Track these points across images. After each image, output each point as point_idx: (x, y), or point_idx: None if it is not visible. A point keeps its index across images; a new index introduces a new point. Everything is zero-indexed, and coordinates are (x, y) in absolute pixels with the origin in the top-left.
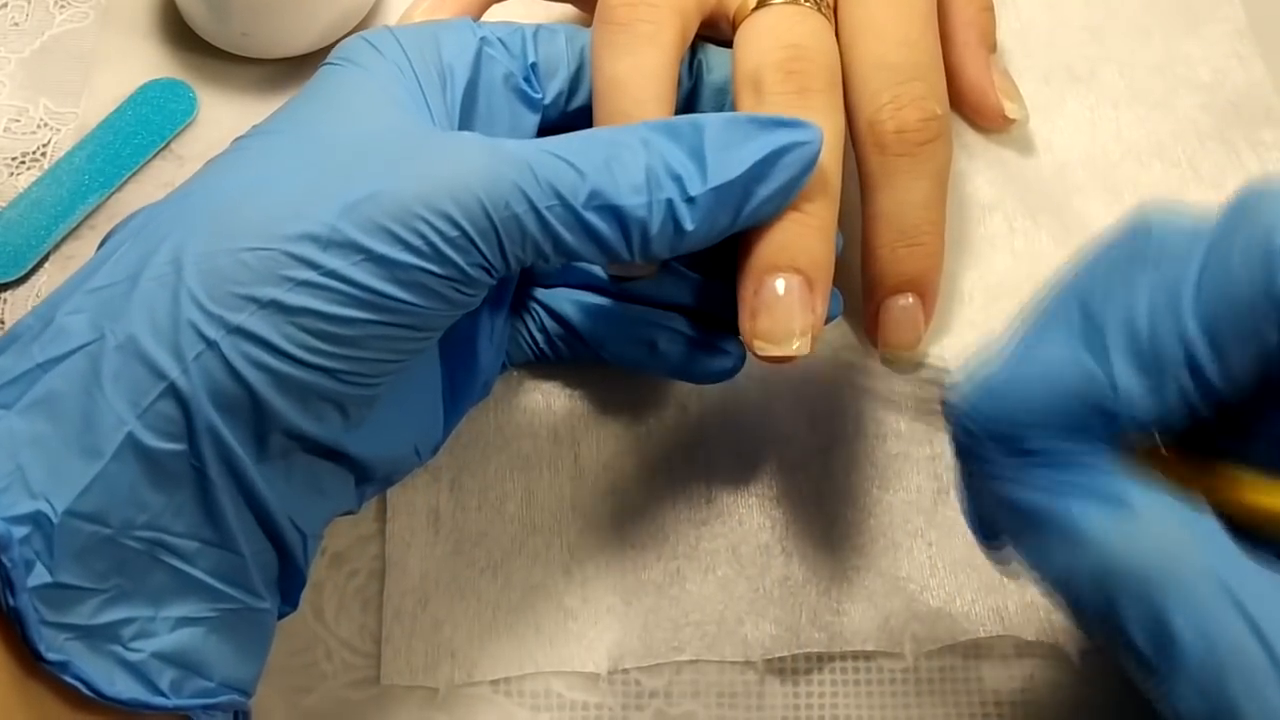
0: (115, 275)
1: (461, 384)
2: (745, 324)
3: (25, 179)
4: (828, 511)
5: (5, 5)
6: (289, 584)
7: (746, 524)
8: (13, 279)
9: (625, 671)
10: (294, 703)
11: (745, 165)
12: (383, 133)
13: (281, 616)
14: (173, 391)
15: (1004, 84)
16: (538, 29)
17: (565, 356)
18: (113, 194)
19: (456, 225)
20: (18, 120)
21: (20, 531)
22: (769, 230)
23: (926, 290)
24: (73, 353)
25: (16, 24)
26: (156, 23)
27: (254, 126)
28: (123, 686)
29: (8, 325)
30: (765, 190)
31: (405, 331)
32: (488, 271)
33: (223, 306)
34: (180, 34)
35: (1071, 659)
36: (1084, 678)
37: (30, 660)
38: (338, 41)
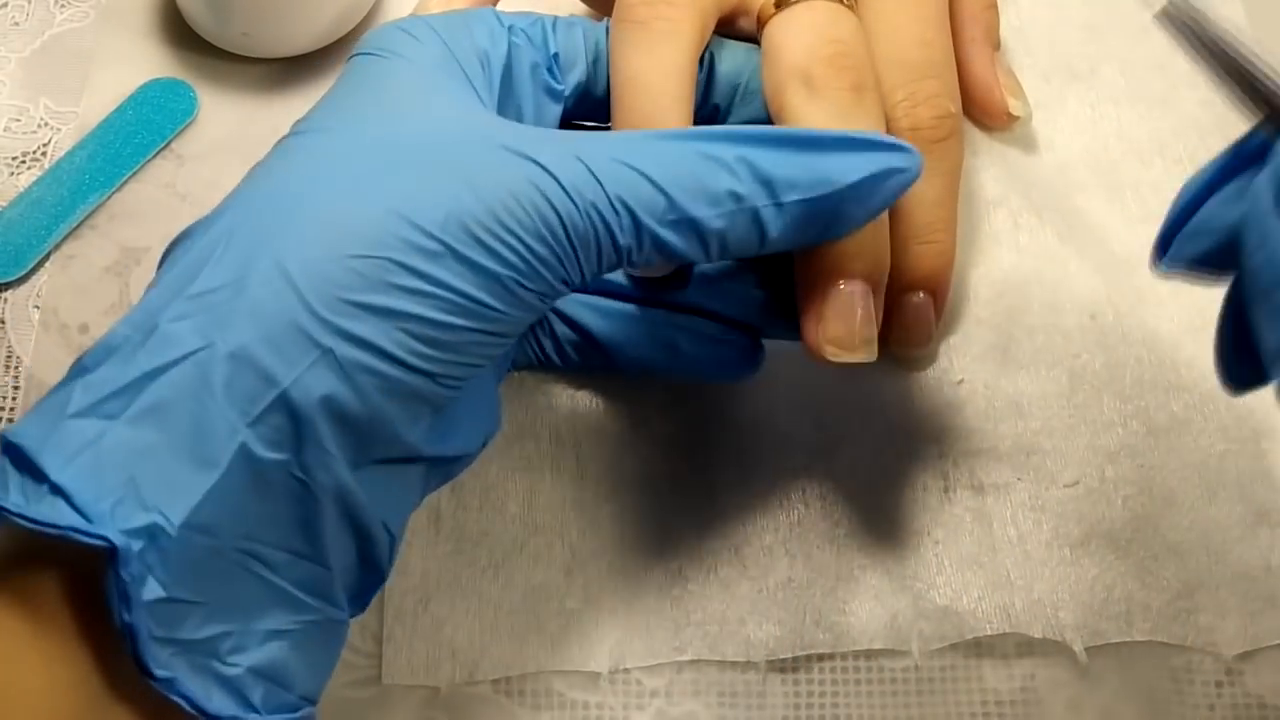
0: (216, 281)
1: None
2: (812, 329)
3: (25, 178)
4: (832, 511)
5: (5, 5)
6: (368, 587)
7: (749, 524)
8: (13, 278)
9: (626, 671)
10: None
11: (845, 182)
12: (455, 130)
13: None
14: (284, 400)
15: (1008, 81)
16: (555, 20)
17: (573, 364)
18: (113, 193)
19: (544, 242)
20: (18, 119)
21: (136, 545)
22: (852, 239)
23: (939, 288)
24: (180, 360)
25: (17, 23)
26: (157, 22)
27: (302, 122)
28: (220, 703)
29: (8, 324)
30: (860, 212)
31: (495, 337)
32: (566, 284)
33: (335, 313)
34: (181, 33)
35: (1073, 658)
36: (1085, 677)
37: (112, 678)
38: (339, 41)
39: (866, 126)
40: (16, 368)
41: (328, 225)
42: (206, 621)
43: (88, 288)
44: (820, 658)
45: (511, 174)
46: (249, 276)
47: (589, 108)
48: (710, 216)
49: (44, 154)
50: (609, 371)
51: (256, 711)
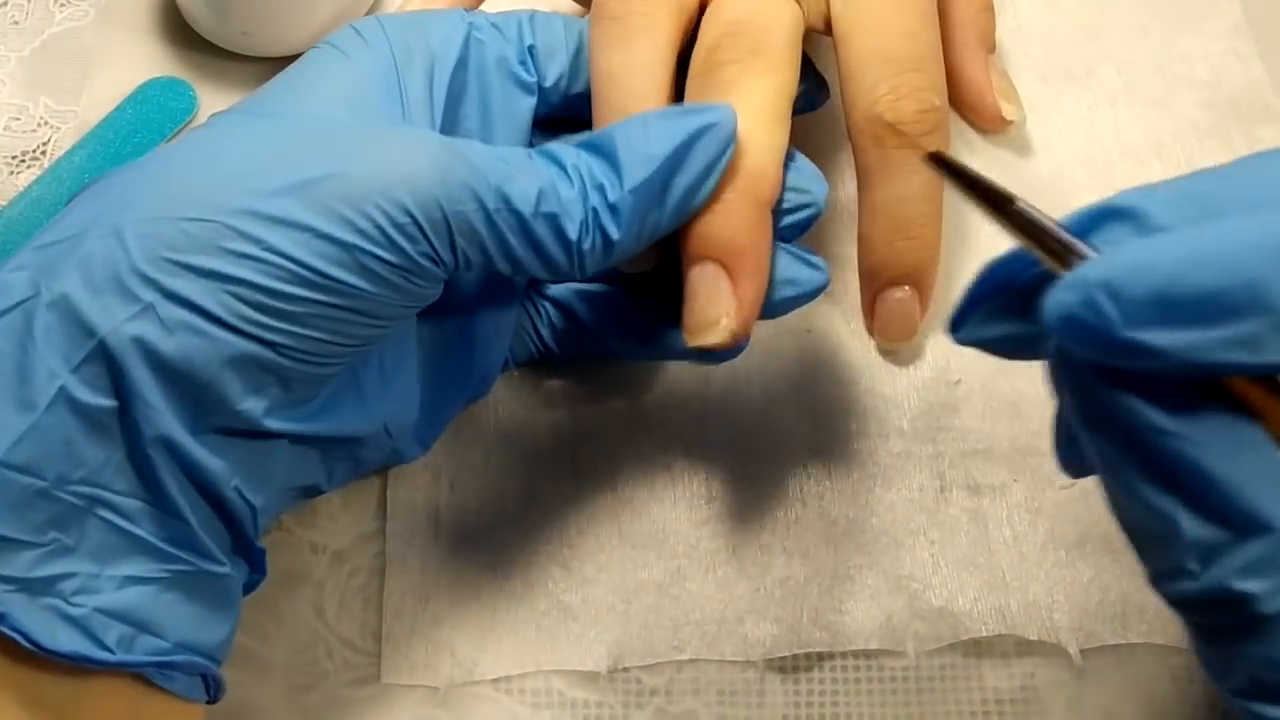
0: (61, 234)
1: (455, 374)
2: (683, 316)
3: (25, 177)
4: (829, 510)
5: (5, 4)
6: (247, 553)
7: (747, 523)
8: None
9: (625, 670)
10: (295, 700)
11: (657, 161)
12: (344, 118)
13: (252, 585)
14: (103, 349)
15: (1002, 85)
16: (533, 14)
17: (571, 352)
18: None
19: (407, 212)
20: (18, 119)
21: None
22: (692, 221)
23: (923, 283)
24: (12, 309)
25: (16, 22)
26: (156, 21)
27: (231, 105)
28: (65, 640)
29: None
30: (684, 180)
31: (354, 316)
32: (435, 263)
33: (159, 271)
34: (180, 32)
35: (1072, 658)
36: (1085, 676)
37: None
38: None
39: (755, 95)
40: None
41: (170, 189)
42: (46, 561)
43: None
44: (820, 657)
45: (383, 148)
46: (88, 232)
47: (576, 99)
48: (565, 217)
49: (44, 153)
50: (604, 357)
51: (110, 651)
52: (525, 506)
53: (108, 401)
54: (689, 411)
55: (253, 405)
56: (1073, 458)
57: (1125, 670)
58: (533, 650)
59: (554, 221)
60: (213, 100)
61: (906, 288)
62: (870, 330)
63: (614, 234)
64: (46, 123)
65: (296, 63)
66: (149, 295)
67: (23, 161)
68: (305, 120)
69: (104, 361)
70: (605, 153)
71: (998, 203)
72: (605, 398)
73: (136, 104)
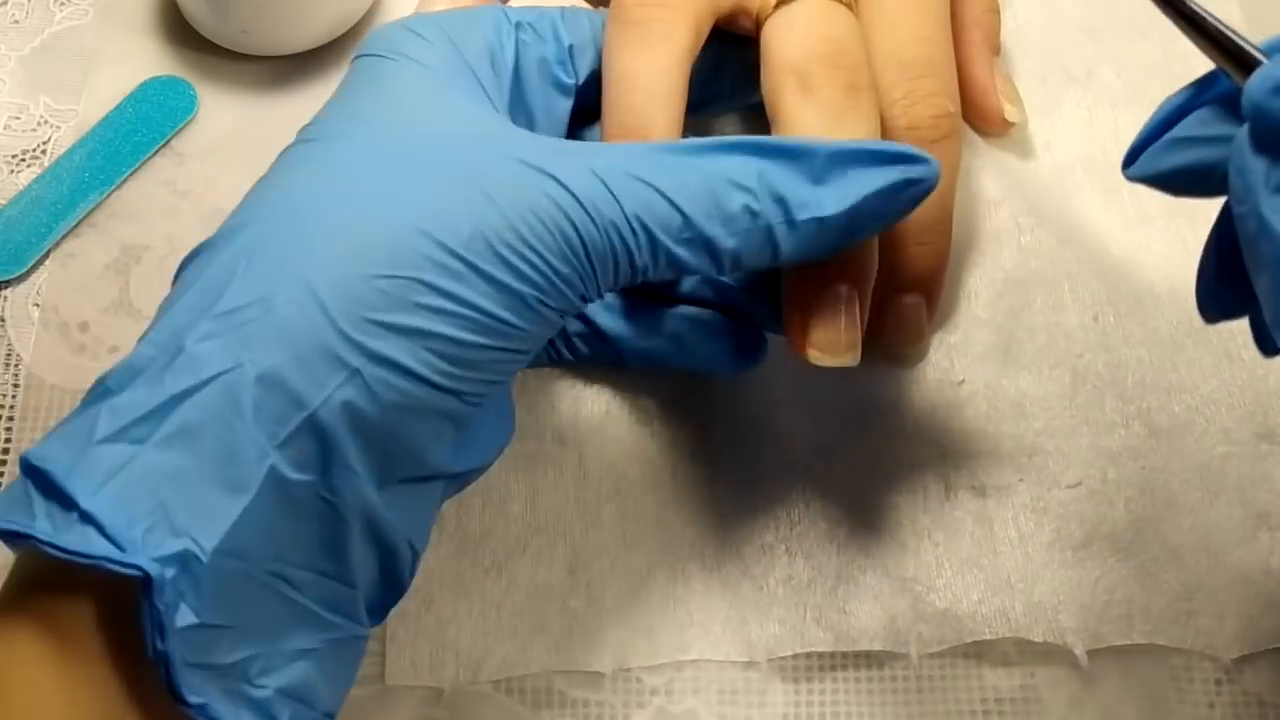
0: (242, 299)
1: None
2: (797, 331)
3: (25, 176)
4: (833, 511)
5: (5, 3)
6: (388, 601)
7: (751, 524)
8: (13, 276)
9: (627, 670)
10: None
11: (857, 198)
12: (469, 140)
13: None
14: (312, 422)
15: (1005, 87)
16: (563, 12)
17: (583, 357)
18: (113, 191)
19: (565, 260)
20: (18, 118)
21: (169, 572)
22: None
23: (933, 289)
24: (209, 382)
25: (16, 21)
26: (156, 20)
27: (310, 128)
28: None
29: (8, 323)
30: (873, 226)
31: (516, 354)
32: (584, 299)
33: (363, 333)
34: (180, 31)
35: (1075, 659)
36: (1084, 678)
37: (137, 704)
38: (339, 39)
39: (859, 127)
40: (16, 366)
41: (352, 242)
42: (237, 645)
43: (88, 286)
44: (821, 657)
45: (531, 190)
46: (275, 295)
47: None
48: (724, 235)
49: (44, 152)
50: (616, 364)
51: None
52: (528, 507)
53: (309, 477)
54: (692, 413)
55: (438, 454)
56: (1224, 297)
57: (1125, 670)
58: (537, 652)
59: (703, 244)
60: (213, 99)
61: (918, 294)
62: (878, 335)
63: (784, 249)
64: (47, 122)
65: (361, 74)
66: (356, 360)
67: (23, 161)
68: (430, 143)
69: (312, 435)
70: (802, 166)
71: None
72: (609, 399)
73: (137, 103)
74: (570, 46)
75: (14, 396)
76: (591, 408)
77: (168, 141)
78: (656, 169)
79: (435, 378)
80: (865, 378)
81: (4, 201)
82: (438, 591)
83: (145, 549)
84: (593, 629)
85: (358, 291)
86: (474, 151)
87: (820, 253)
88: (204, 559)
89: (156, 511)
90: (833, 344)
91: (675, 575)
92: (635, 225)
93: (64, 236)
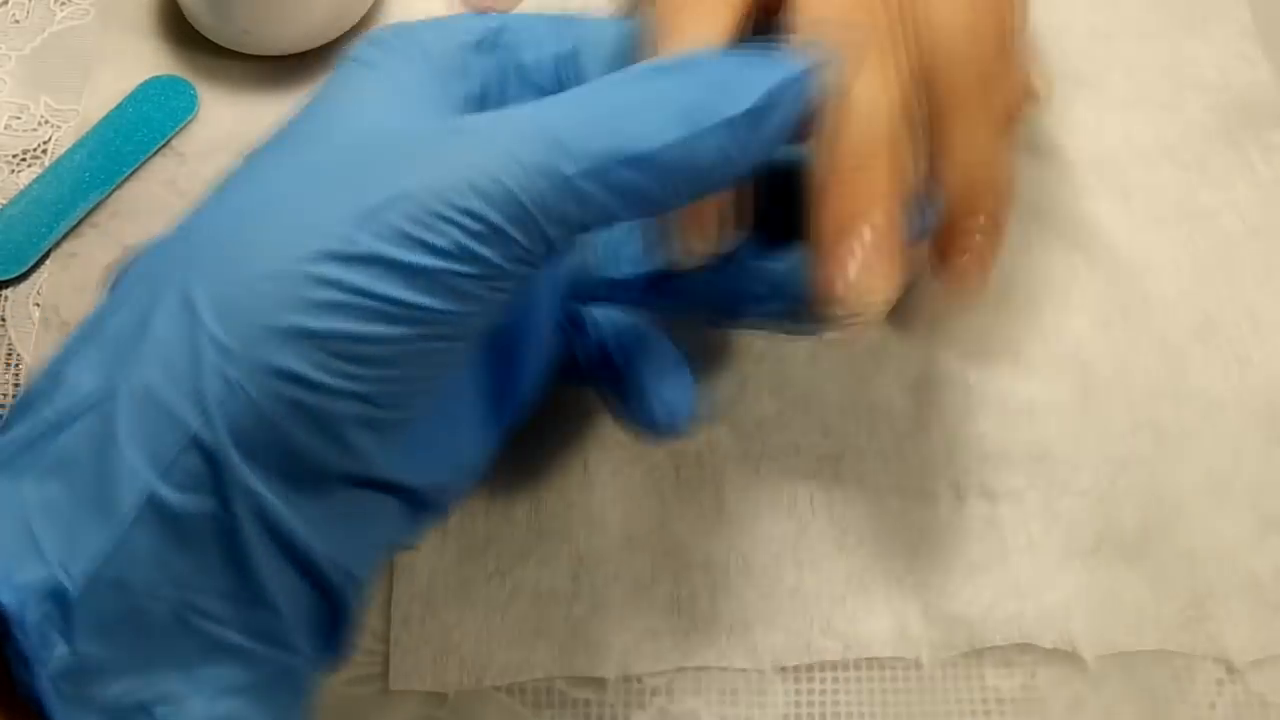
0: (123, 322)
1: (505, 397)
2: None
3: (26, 176)
4: (840, 518)
5: (6, 2)
6: (337, 631)
7: (757, 531)
8: (13, 276)
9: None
10: None
11: (764, 89)
12: (391, 130)
13: (333, 667)
14: (197, 444)
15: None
16: (556, 17)
17: (598, 380)
18: (114, 191)
19: (481, 218)
20: (18, 117)
21: (36, 605)
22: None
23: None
24: (84, 407)
25: (17, 21)
26: (157, 20)
27: (263, 140)
28: None
29: (8, 322)
30: (786, 121)
31: (438, 343)
32: (525, 261)
33: (244, 342)
34: (181, 31)
35: (1075, 656)
36: (1085, 677)
37: None
38: (340, 38)
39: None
40: (17, 366)
41: (232, 245)
42: (136, 682)
43: (88, 286)
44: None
45: (440, 151)
46: (153, 312)
47: None
48: (666, 147)
49: (44, 152)
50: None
51: None
52: (533, 513)
53: (201, 500)
54: (698, 419)
55: (348, 461)
56: None
57: (1127, 670)
58: (540, 658)
59: (646, 161)
60: (214, 99)
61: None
62: (944, 278)
63: (734, 154)
64: (47, 121)
65: (326, 81)
66: (237, 373)
67: (23, 160)
68: (349, 140)
69: (198, 456)
70: (704, 73)
71: None
72: None
73: (137, 102)
74: (558, 53)
75: (14, 396)
76: (596, 413)
77: (168, 141)
78: (572, 102)
79: (330, 380)
80: (873, 383)
81: (4, 201)
82: (441, 597)
83: (6, 581)
84: (597, 636)
85: (236, 298)
86: (387, 136)
87: (747, 154)
88: (73, 590)
89: (26, 543)
90: (865, 285)
91: (680, 582)
92: (569, 154)
93: (65, 236)
